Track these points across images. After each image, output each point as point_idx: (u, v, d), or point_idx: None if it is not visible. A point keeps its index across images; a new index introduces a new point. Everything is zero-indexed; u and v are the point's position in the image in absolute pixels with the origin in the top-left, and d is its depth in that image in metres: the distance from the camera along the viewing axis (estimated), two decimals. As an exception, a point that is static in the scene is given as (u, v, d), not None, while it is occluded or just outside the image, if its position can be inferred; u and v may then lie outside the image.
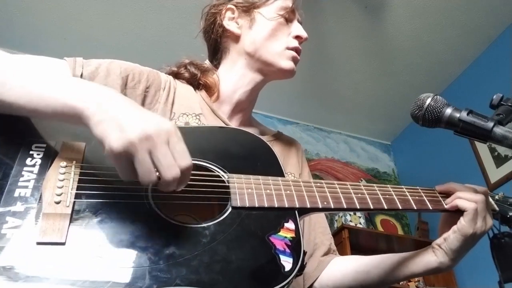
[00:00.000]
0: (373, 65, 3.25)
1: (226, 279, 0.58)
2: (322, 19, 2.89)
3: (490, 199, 0.87)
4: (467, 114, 0.70)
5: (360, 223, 3.04)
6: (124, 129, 0.54)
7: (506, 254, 0.87)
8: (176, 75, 1.02)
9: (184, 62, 1.04)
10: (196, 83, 1.01)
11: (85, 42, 2.93)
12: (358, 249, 2.81)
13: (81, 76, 0.80)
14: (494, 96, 0.73)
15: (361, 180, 3.65)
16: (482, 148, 2.89)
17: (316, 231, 1.03)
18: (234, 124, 1.01)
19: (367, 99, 3.56)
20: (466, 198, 0.81)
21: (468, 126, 0.70)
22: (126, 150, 0.54)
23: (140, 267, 0.56)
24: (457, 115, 0.71)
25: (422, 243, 2.65)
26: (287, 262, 0.62)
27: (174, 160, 0.56)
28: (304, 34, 1.01)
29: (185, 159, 0.57)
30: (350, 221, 2.98)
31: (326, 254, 1.00)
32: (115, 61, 0.88)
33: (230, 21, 1.02)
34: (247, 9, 1.01)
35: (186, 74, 1.01)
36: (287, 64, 0.99)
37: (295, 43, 1.00)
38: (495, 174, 2.76)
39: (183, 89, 0.99)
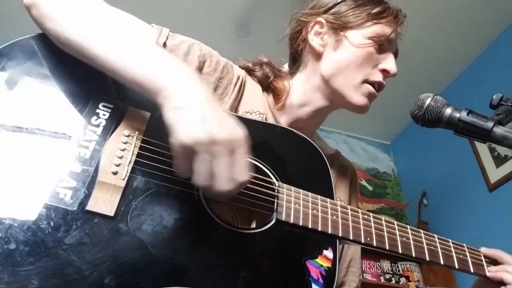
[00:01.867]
0: (373, 65, 3.24)
1: None
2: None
3: None
4: (467, 114, 0.70)
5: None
6: (198, 126, 0.53)
7: None
8: (250, 72, 0.97)
9: (261, 60, 0.99)
10: (266, 84, 0.96)
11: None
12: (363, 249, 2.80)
13: (164, 45, 0.79)
14: (494, 96, 0.73)
15: (361, 180, 3.65)
16: (482, 148, 2.89)
17: (349, 269, 0.96)
18: None
19: (367, 99, 3.55)
20: None
21: (468, 126, 0.70)
22: (193, 147, 0.53)
23: (177, 261, 0.55)
24: (457, 115, 0.71)
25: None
26: None
27: (233, 174, 0.54)
28: (393, 69, 0.88)
29: (244, 176, 0.56)
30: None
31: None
32: (198, 43, 0.86)
33: (316, 36, 0.92)
34: (338, 27, 0.89)
35: (259, 73, 0.96)
36: (360, 100, 0.88)
37: (378, 77, 0.88)
38: (495, 174, 2.76)
39: (253, 88, 0.94)
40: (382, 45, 0.88)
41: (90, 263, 0.50)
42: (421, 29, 2.93)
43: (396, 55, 0.93)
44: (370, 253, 2.90)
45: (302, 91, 0.94)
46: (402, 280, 2.88)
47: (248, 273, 0.58)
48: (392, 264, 2.95)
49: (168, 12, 2.98)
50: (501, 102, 0.72)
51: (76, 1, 0.65)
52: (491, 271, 0.79)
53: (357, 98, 0.88)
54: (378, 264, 2.92)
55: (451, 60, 3.18)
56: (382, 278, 2.87)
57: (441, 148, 3.25)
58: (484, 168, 2.84)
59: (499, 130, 0.67)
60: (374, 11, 0.88)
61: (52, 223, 0.51)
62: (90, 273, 0.50)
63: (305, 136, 0.83)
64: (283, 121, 0.94)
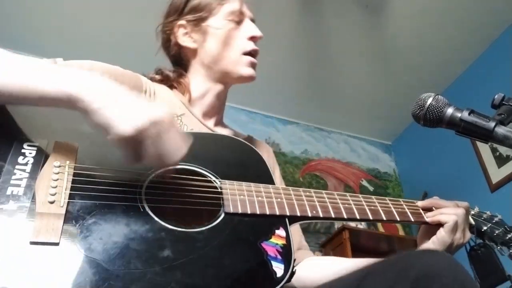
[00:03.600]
0: (373, 65, 3.24)
1: (220, 283, 0.59)
2: (322, 19, 2.88)
3: None
4: (469, 114, 0.69)
5: (361, 224, 3.03)
6: (130, 116, 0.57)
7: (484, 263, 0.94)
8: (151, 79, 1.04)
9: (157, 68, 1.07)
10: (169, 83, 1.04)
11: (85, 41, 2.92)
12: (359, 250, 2.80)
13: None
14: (496, 96, 0.72)
15: (362, 180, 3.64)
16: (484, 148, 2.88)
17: (302, 243, 1.04)
18: (209, 125, 1.03)
19: (367, 99, 3.55)
20: (448, 213, 0.85)
21: (470, 126, 0.69)
22: (136, 135, 0.56)
23: (135, 269, 0.55)
24: (459, 115, 0.70)
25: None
26: (278, 268, 0.64)
27: (177, 143, 0.61)
28: (257, 33, 1.01)
29: (186, 140, 0.63)
30: (351, 221, 2.97)
31: (298, 249, 1.00)
32: (96, 62, 0.89)
33: (185, 37, 1.03)
34: (197, 23, 1.01)
35: (159, 77, 1.04)
36: (246, 71, 0.99)
37: (250, 46, 1.00)
38: (496, 174, 2.75)
39: (162, 90, 1.00)
40: (238, 18, 1.01)
41: None
42: (422, 29, 2.93)
43: (253, 21, 1.05)
44: (370, 253, 2.89)
45: (197, 84, 1.04)
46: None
47: (209, 267, 0.60)
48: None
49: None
50: (503, 102, 0.71)
51: None
52: (429, 217, 0.86)
53: (243, 70, 0.99)
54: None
55: (452, 60, 3.17)
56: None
57: (443, 148, 3.25)
58: (485, 168, 2.84)
59: (501, 130, 0.67)
60: None
61: None
62: None
63: (232, 136, 0.92)
64: (197, 113, 1.02)
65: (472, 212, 0.97)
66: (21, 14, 2.76)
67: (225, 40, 0.98)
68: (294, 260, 0.67)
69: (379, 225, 3.26)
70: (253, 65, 1.00)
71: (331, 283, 0.72)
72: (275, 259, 0.65)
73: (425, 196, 3.30)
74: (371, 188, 3.64)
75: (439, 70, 3.25)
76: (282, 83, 3.34)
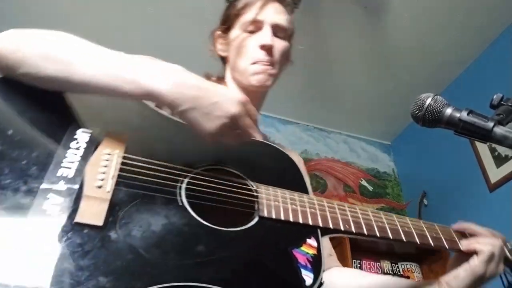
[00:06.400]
0: (373, 65, 3.24)
1: (249, 282, 0.60)
2: (322, 19, 2.88)
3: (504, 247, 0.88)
4: (467, 114, 0.70)
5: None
6: (211, 117, 0.64)
7: None
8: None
9: (203, 74, 1.12)
10: None
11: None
12: (358, 249, 2.81)
13: None
14: (494, 96, 0.72)
15: (361, 180, 3.64)
16: (483, 148, 2.88)
17: (330, 257, 1.04)
18: None
19: (367, 99, 3.55)
20: (484, 242, 0.82)
21: (468, 126, 0.69)
22: (218, 132, 0.65)
23: (170, 260, 0.57)
24: (457, 115, 0.71)
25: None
26: (307, 277, 0.64)
27: (254, 121, 0.68)
28: (266, 41, 1.00)
29: (257, 115, 0.71)
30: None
31: (329, 255, 1.01)
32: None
33: (219, 45, 1.10)
34: (224, 33, 1.08)
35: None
36: (254, 79, 1.01)
37: (258, 55, 1.01)
38: (495, 174, 2.76)
39: None
40: (253, 28, 1.02)
41: (85, 269, 0.51)
42: (421, 29, 2.93)
43: (276, 24, 1.03)
44: (370, 253, 2.90)
45: (233, 89, 1.08)
46: (403, 280, 2.88)
47: (240, 266, 0.61)
48: (393, 264, 2.95)
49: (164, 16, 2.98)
50: (502, 102, 0.72)
51: (48, 40, 0.68)
52: (463, 245, 0.84)
53: (253, 79, 1.01)
54: (378, 265, 2.92)
55: (451, 60, 3.17)
56: (382, 278, 2.86)
57: (442, 148, 3.25)
58: (484, 168, 2.84)
59: (499, 130, 0.67)
60: (238, 6, 1.05)
61: (41, 237, 0.52)
62: (86, 278, 0.51)
63: (271, 143, 0.93)
64: None
65: (510, 247, 0.92)
66: (21, 14, 2.76)
67: (238, 51, 1.02)
68: (324, 271, 0.67)
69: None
70: (263, 72, 1.01)
71: None
72: (305, 267, 0.65)
73: (424, 196, 3.31)
74: (370, 188, 3.65)
75: (438, 70, 3.25)
76: (282, 83, 3.33)
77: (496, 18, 2.85)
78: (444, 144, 3.17)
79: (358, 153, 3.86)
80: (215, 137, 0.65)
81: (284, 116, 3.71)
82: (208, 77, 1.10)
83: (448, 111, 0.72)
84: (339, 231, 0.75)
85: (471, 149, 2.97)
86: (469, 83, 3.17)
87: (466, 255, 0.83)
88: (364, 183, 3.67)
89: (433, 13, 2.81)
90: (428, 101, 0.73)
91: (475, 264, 0.80)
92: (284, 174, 0.85)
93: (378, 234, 0.77)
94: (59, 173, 0.59)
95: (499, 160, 2.75)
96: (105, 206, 0.58)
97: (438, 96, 0.74)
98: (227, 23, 1.07)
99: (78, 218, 0.55)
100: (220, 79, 1.12)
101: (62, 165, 0.61)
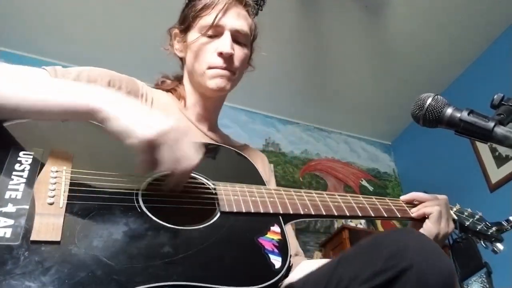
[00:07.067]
0: (373, 65, 3.24)
1: (222, 275, 0.61)
2: (322, 19, 2.88)
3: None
4: (468, 114, 0.70)
5: (361, 223, 3.03)
6: (151, 122, 0.62)
7: (464, 253, 1.03)
8: (155, 85, 1.08)
9: (161, 74, 1.11)
10: (166, 88, 1.07)
11: (85, 41, 2.92)
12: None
13: None
14: (495, 96, 0.72)
15: (362, 180, 3.64)
16: (483, 148, 2.88)
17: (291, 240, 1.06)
18: (203, 129, 1.06)
19: (367, 99, 3.56)
20: (431, 205, 0.90)
21: (469, 126, 0.69)
22: (156, 138, 0.61)
23: (137, 264, 0.57)
24: (458, 115, 0.71)
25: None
26: (276, 261, 0.66)
27: (193, 150, 0.65)
28: (225, 49, 0.95)
29: (199, 148, 0.67)
30: (350, 221, 2.97)
31: (295, 255, 1.02)
32: (94, 68, 0.90)
33: (176, 43, 1.06)
34: (183, 34, 1.04)
35: (158, 83, 1.08)
36: (211, 83, 0.97)
37: (216, 62, 0.96)
38: (496, 174, 2.75)
39: (158, 94, 1.03)
40: (213, 32, 0.98)
41: (48, 285, 0.51)
42: (421, 29, 2.93)
43: (237, 31, 0.99)
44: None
45: (189, 92, 1.06)
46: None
47: (209, 260, 0.62)
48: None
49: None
50: (502, 102, 0.72)
51: None
52: (413, 212, 0.91)
53: (210, 83, 0.98)
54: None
55: (452, 60, 3.18)
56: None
57: (442, 148, 3.25)
58: (485, 168, 2.84)
59: (500, 130, 0.67)
60: (198, 7, 0.99)
61: None
62: None
63: (225, 146, 0.96)
64: (191, 117, 1.05)
65: (454, 209, 1.03)
66: (20, 14, 2.76)
67: (196, 54, 0.98)
68: (291, 256, 0.69)
69: (379, 224, 3.26)
70: (220, 76, 0.97)
71: (310, 274, 0.72)
72: (272, 252, 0.68)
73: (424, 196, 3.31)
74: (370, 188, 3.65)
75: (439, 70, 3.25)
76: (282, 83, 3.34)
77: (496, 18, 2.85)
78: (445, 144, 3.16)
79: (359, 153, 3.86)
80: (149, 147, 0.61)
81: (284, 116, 3.71)
82: (165, 76, 1.10)
83: (449, 111, 0.72)
84: (299, 215, 0.78)
85: (472, 149, 2.97)
86: (469, 83, 3.17)
87: (419, 221, 0.90)
88: (364, 183, 3.67)
89: (433, 12, 2.81)
90: (429, 101, 0.73)
91: (428, 226, 0.87)
92: (240, 171, 0.88)
93: (335, 213, 0.81)
94: (6, 196, 0.59)
95: (500, 160, 2.75)
96: (60, 222, 0.58)
97: (439, 96, 0.74)
98: (185, 23, 1.02)
99: (34, 236, 0.55)
100: (178, 79, 1.10)
101: (8, 187, 0.60)
